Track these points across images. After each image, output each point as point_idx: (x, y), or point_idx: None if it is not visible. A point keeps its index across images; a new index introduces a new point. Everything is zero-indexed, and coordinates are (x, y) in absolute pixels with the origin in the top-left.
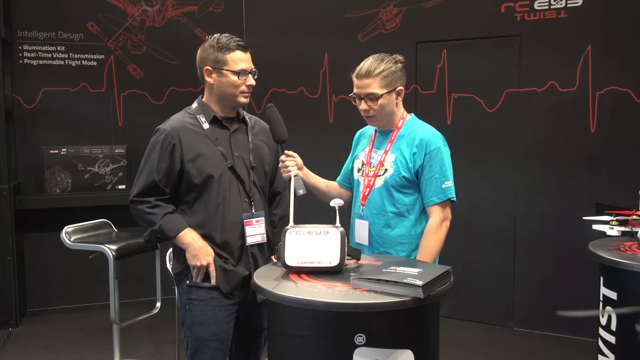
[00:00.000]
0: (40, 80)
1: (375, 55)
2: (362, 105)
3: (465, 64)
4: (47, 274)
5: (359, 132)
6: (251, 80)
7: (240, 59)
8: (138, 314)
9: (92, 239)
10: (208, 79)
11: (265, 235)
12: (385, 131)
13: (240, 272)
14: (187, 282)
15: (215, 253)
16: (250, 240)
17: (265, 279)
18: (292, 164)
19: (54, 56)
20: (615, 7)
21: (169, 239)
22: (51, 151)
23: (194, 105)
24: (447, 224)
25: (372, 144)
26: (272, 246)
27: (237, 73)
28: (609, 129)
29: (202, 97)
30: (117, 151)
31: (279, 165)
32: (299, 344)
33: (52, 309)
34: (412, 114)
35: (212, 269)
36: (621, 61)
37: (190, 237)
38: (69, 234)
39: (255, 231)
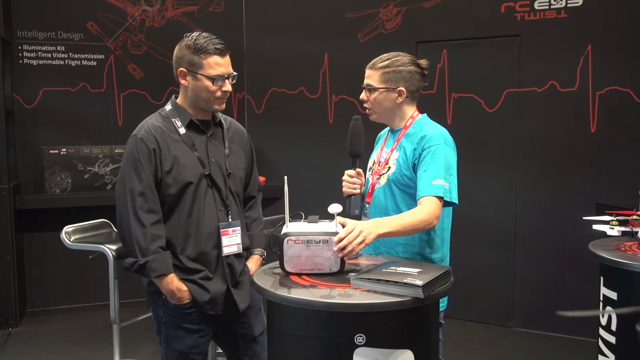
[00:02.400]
0: (40, 80)
1: (394, 52)
2: (362, 94)
3: (465, 64)
4: (47, 274)
5: (379, 134)
6: (227, 86)
7: (217, 64)
8: (138, 314)
9: (92, 239)
10: (182, 81)
11: (241, 245)
12: (395, 130)
13: (216, 288)
14: (163, 296)
15: (190, 267)
16: (226, 250)
17: (266, 279)
18: (359, 182)
19: (54, 56)
20: (615, 7)
21: (149, 277)
22: (51, 151)
23: (168, 107)
24: (434, 220)
25: (384, 143)
26: (249, 251)
27: (212, 79)
28: (609, 129)
29: (175, 98)
30: (117, 151)
31: (343, 177)
32: (299, 344)
33: (52, 309)
34: (424, 114)
35: (188, 302)
36: (621, 61)
37: (173, 286)
38: (68, 234)
39: (232, 241)
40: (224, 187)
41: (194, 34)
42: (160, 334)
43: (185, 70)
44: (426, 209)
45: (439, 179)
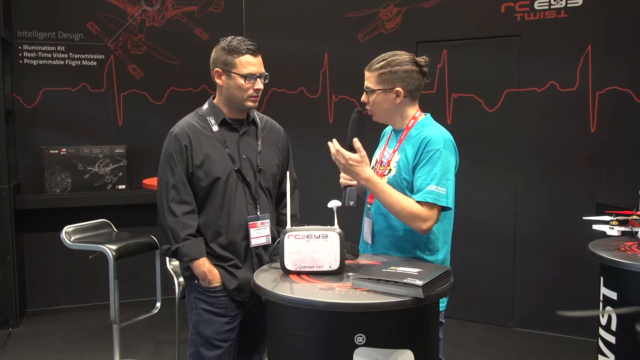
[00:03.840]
0: (40, 80)
1: (391, 52)
2: (363, 96)
3: (465, 64)
4: (47, 274)
5: (384, 130)
6: (259, 85)
7: (250, 63)
8: (138, 314)
9: (92, 239)
10: (217, 81)
11: (269, 237)
12: (398, 131)
13: (244, 276)
14: (196, 281)
15: (222, 254)
16: (254, 242)
17: (265, 279)
18: None
19: (54, 56)
20: (615, 7)
21: (183, 262)
22: (51, 151)
23: (205, 106)
24: (422, 224)
25: (387, 143)
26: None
27: (245, 77)
28: (609, 129)
29: (213, 98)
30: (117, 151)
31: (340, 167)
32: (299, 344)
33: (52, 309)
34: (428, 115)
35: (218, 285)
36: (621, 61)
37: (205, 268)
38: (69, 234)
39: (260, 233)
40: (253, 182)
41: (229, 37)
42: (190, 320)
43: (220, 70)
44: (417, 210)
45: (432, 185)
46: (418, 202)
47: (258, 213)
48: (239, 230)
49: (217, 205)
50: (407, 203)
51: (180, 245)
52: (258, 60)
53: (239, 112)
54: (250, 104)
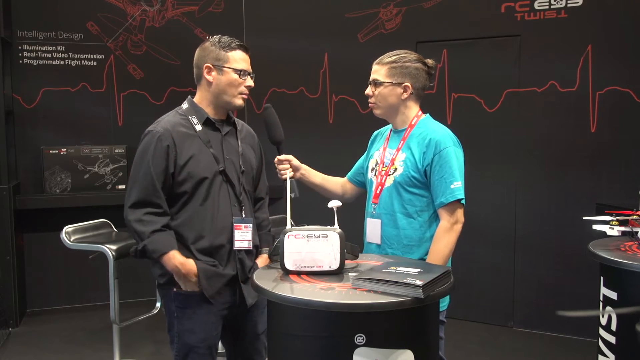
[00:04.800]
0: (40, 80)
1: (401, 50)
2: (367, 89)
3: (465, 64)
4: (47, 274)
5: (376, 132)
6: (250, 82)
7: (242, 59)
8: (138, 314)
9: (92, 239)
10: (207, 77)
11: (252, 242)
12: (399, 130)
13: (224, 272)
14: (174, 289)
15: (202, 259)
16: (237, 245)
17: (265, 279)
18: (285, 167)
19: (54, 56)
20: (615, 7)
21: (152, 260)
22: (51, 151)
23: (185, 105)
24: (457, 227)
25: (387, 143)
26: (258, 250)
27: (239, 72)
28: (609, 129)
29: (192, 98)
30: (117, 151)
31: (276, 166)
32: (298, 344)
33: (52, 309)
34: (427, 114)
35: (196, 280)
36: (621, 61)
37: (176, 261)
38: (69, 234)
39: (244, 237)
40: (237, 184)
41: (216, 35)
42: (172, 330)
43: (211, 65)
44: (450, 223)
45: (456, 182)
46: (448, 203)
47: (243, 215)
48: (222, 232)
49: (199, 207)
50: (441, 242)
51: (147, 242)
52: (248, 57)
53: (222, 111)
54: (239, 102)
